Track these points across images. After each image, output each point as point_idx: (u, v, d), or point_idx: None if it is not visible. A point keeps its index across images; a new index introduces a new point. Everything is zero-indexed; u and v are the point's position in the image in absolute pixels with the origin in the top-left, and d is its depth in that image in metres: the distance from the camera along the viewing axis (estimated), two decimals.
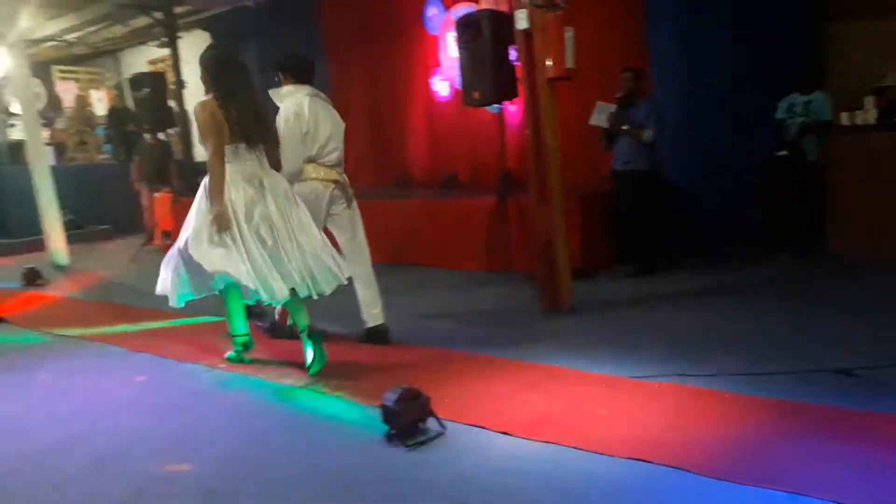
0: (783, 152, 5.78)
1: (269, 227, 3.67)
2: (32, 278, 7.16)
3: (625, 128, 5.57)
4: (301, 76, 4.22)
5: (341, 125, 4.29)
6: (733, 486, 2.33)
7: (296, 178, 4.06)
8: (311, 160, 4.13)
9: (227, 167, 3.64)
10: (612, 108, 5.64)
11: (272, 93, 4.13)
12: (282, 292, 3.64)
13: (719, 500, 2.28)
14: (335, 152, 4.24)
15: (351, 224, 4.38)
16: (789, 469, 2.41)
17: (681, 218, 6.18)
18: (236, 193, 3.64)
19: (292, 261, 3.71)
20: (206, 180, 3.69)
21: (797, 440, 2.62)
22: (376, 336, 4.31)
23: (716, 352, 3.69)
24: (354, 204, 4.40)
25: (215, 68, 3.71)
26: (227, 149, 3.64)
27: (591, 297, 5.00)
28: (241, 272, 3.56)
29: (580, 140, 7.22)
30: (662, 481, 2.41)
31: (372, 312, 4.32)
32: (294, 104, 4.05)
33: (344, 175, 4.32)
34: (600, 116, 5.68)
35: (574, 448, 2.70)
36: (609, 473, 2.50)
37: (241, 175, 3.67)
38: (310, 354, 3.76)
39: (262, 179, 3.73)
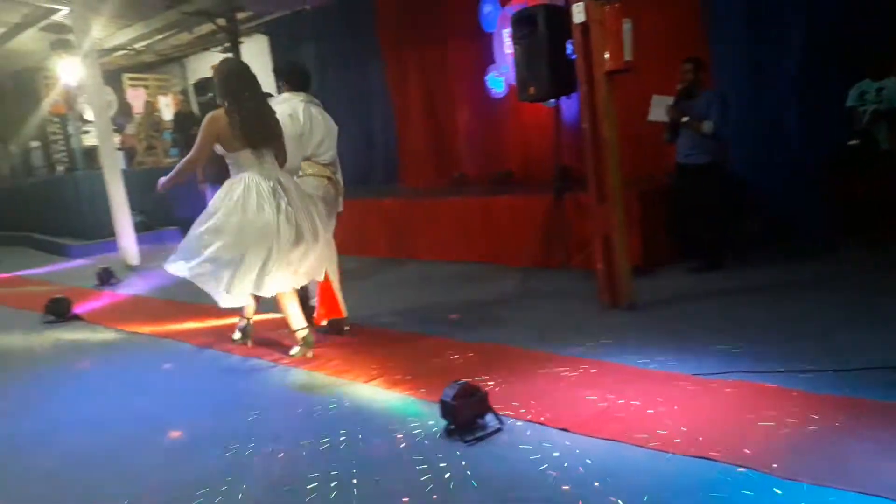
0: (855, 141, 5.55)
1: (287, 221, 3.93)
2: (106, 278, 7.49)
3: (685, 120, 5.44)
4: (298, 84, 4.56)
5: (334, 128, 4.60)
6: (799, 485, 2.27)
7: (294, 173, 4.35)
8: (306, 158, 4.43)
9: (243, 172, 3.97)
10: (669, 100, 5.51)
11: (271, 100, 4.36)
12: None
13: (785, 499, 2.21)
14: (329, 152, 4.53)
15: (329, 219, 4.57)
16: (859, 469, 2.32)
17: (746, 211, 6.00)
18: (248, 196, 3.89)
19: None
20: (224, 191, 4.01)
21: (867, 439, 2.52)
22: (336, 327, 4.61)
23: (781, 348, 3.57)
24: (340, 200, 4.72)
25: (227, 80, 3.99)
26: (237, 154, 3.94)
27: (651, 294, 4.91)
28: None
29: (640, 134, 7.12)
30: (726, 480, 2.36)
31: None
32: (290, 108, 4.34)
33: (337, 174, 4.63)
34: (658, 110, 5.56)
35: (634, 445, 2.66)
36: (671, 471, 2.46)
37: (259, 176, 3.95)
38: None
39: (280, 180, 4.00)
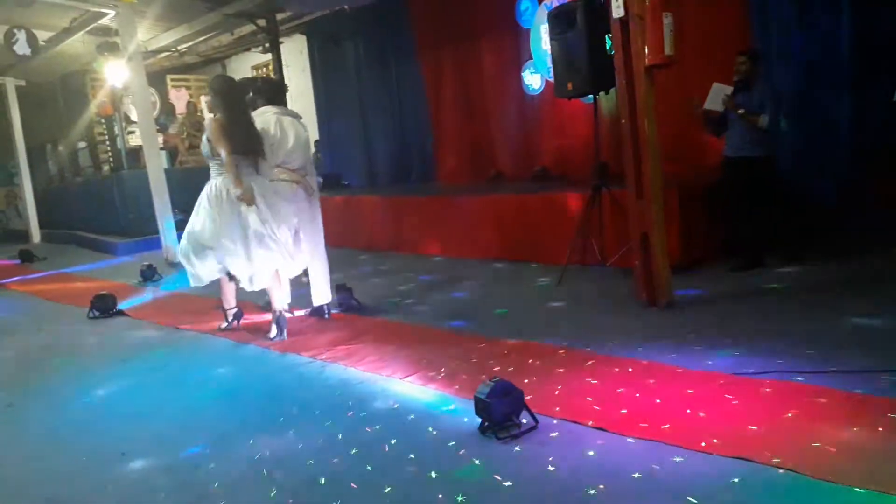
0: None
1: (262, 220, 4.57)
2: (150, 275, 7.66)
3: (741, 112, 5.31)
4: (272, 98, 5.06)
5: (305, 136, 5.05)
6: (842, 488, 2.21)
7: (268, 178, 4.79)
8: (278, 165, 4.85)
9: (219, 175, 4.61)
10: (729, 90, 5.37)
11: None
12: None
13: (826, 501, 2.15)
14: (299, 160, 4.98)
15: (312, 216, 5.11)
16: None
17: (794, 208, 5.84)
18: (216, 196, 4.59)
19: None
20: (214, 188, 4.64)
21: None
22: (318, 312, 5.20)
23: (823, 348, 3.47)
24: (316, 199, 5.16)
25: (221, 95, 4.59)
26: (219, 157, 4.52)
27: (690, 292, 4.82)
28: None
29: (682, 130, 7.00)
30: (765, 482, 2.30)
31: (320, 291, 5.18)
32: (262, 121, 4.81)
33: (307, 177, 5.06)
34: (715, 99, 5.41)
35: (672, 445, 2.62)
36: (709, 471, 2.41)
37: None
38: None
39: (256, 182, 4.59)
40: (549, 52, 6.36)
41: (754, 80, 5.36)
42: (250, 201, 4.49)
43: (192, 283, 4.84)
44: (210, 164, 4.72)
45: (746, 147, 5.35)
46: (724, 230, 5.72)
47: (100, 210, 12.26)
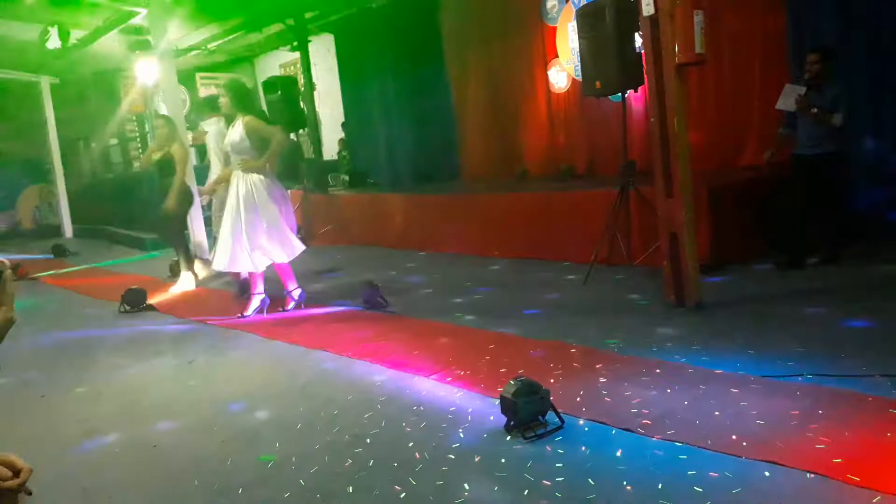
0: None
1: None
2: (178, 270, 7.74)
3: (814, 111, 5.23)
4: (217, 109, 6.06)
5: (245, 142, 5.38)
6: (872, 492, 2.17)
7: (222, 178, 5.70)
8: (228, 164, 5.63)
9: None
10: (802, 90, 5.28)
11: (203, 123, 6.84)
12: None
13: None
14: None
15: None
16: None
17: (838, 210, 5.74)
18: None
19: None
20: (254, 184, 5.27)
21: None
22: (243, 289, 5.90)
23: (853, 352, 3.42)
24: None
25: (238, 96, 5.29)
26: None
27: (719, 293, 4.77)
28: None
29: (713, 127, 6.92)
30: (793, 485, 2.27)
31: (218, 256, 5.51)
32: (216, 130, 6.20)
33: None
34: (788, 100, 5.33)
35: (699, 448, 2.59)
36: (736, 474, 2.38)
37: (234, 176, 5.33)
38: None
39: (245, 181, 5.26)
40: (578, 50, 6.33)
41: (826, 78, 5.27)
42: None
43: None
44: (237, 163, 5.28)
45: (822, 143, 5.28)
46: (775, 228, 5.63)
47: (130, 206, 12.44)
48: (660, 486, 2.36)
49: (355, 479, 2.64)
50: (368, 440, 2.98)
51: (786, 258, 5.34)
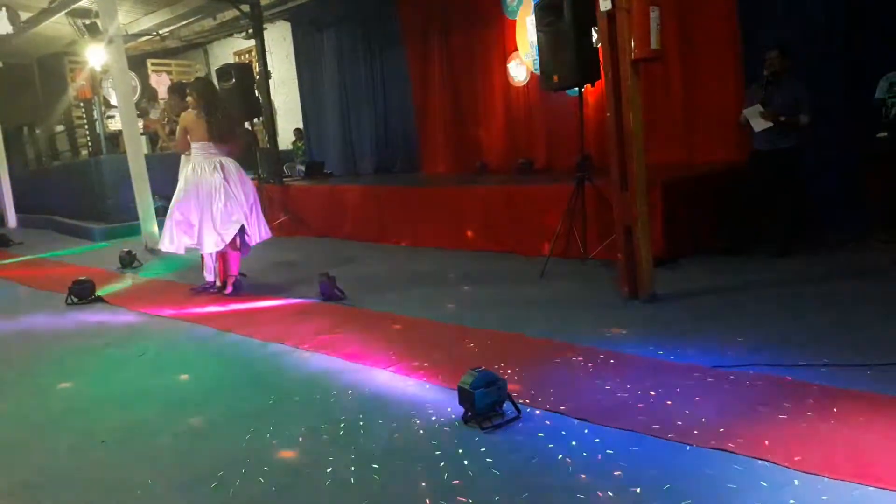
0: (883, 134, 5.43)
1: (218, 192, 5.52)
2: (129, 261, 7.57)
3: (782, 119, 5.37)
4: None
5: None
6: (819, 478, 2.25)
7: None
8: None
9: (197, 155, 5.58)
10: (759, 108, 5.43)
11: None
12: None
13: (804, 491, 2.19)
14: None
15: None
16: (880, 464, 2.28)
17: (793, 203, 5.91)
18: (195, 172, 5.55)
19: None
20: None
21: (889, 436, 2.48)
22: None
23: (802, 342, 3.53)
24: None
25: (202, 93, 5.54)
26: (200, 144, 5.54)
27: (671, 285, 4.86)
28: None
29: (664, 123, 7.03)
30: (745, 472, 2.33)
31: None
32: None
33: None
34: (757, 121, 5.48)
35: (653, 437, 2.64)
36: (690, 463, 2.44)
37: (204, 160, 5.56)
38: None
39: (221, 163, 5.58)
40: (536, 43, 6.36)
41: (784, 74, 5.40)
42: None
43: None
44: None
45: (781, 138, 5.41)
46: (754, 221, 5.78)
47: (78, 195, 12.08)
48: (616, 474, 2.40)
49: (314, 473, 2.62)
50: (324, 435, 2.95)
51: (728, 243, 5.48)
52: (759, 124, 5.48)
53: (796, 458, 2.37)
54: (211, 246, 5.53)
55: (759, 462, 2.38)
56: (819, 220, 5.92)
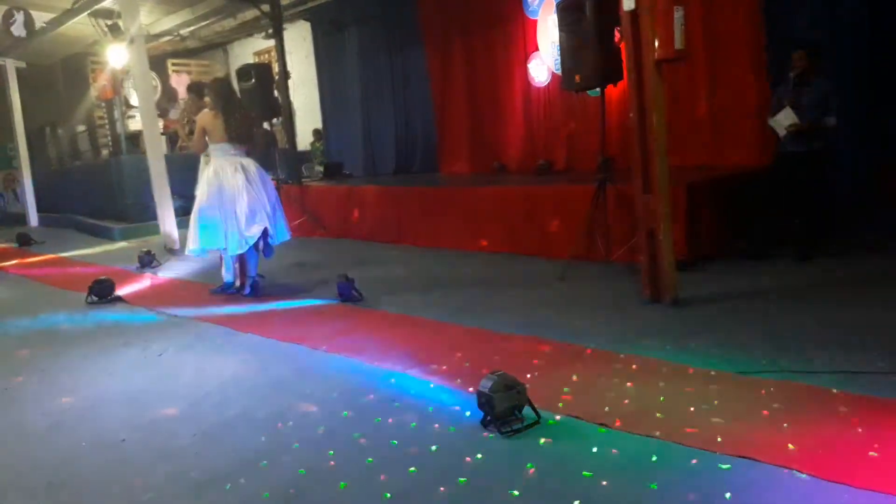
0: None
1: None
2: (148, 261, 7.60)
3: (806, 126, 5.28)
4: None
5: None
6: (842, 487, 2.20)
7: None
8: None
9: (218, 157, 5.55)
10: (790, 113, 5.30)
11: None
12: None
13: (830, 499, 2.13)
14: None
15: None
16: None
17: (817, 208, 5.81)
18: (217, 174, 5.49)
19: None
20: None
21: None
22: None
23: (826, 348, 3.44)
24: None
25: (220, 93, 5.57)
26: (219, 146, 5.53)
27: (695, 289, 4.78)
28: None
29: (689, 124, 6.93)
30: (768, 480, 2.28)
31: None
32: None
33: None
34: (780, 130, 5.39)
35: (674, 443, 2.59)
36: (712, 469, 2.38)
37: (225, 161, 5.52)
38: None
39: (242, 164, 5.55)
40: (558, 43, 6.30)
41: (812, 76, 5.30)
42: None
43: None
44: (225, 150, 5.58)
45: (803, 142, 5.32)
46: (750, 222, 5.66)
47: (98, 195, 12.19)
48: (637, 482, 2.35)
49: (331, 475, 2.59)
50: (342, 436, 2.92)
51: (752, 246, 5.39)
52: (783, 132, 5.39)
53: (821, 467, 2.31)
54: (235, 248, 5.48)
55: (783, 470, 2.32)
56: (843, 223, 5.80)
